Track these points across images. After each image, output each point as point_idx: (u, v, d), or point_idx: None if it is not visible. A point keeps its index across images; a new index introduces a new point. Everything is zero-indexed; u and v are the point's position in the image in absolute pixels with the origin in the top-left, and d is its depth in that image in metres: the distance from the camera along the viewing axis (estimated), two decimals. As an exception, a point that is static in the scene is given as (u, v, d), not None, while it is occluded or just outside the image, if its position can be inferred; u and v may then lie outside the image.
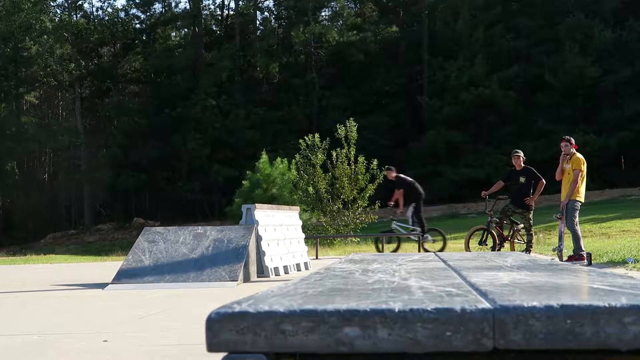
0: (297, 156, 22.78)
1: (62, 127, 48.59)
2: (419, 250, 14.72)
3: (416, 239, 15.22)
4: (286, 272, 10.50)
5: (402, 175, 16.45)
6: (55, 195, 48.18)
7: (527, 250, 12.44)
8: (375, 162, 21.75)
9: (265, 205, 11.54)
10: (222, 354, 0.77)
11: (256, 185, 22.40)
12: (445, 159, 42.03)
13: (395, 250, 15.24)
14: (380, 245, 15.86)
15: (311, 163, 22.37)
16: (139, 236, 9.63)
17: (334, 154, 22.24)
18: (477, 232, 13.48)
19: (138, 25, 53.63)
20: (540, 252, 13.49)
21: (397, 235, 15.81)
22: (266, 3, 53.28)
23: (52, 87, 49.95)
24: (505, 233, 12.99)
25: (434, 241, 16.00)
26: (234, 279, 8.51)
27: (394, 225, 15.92)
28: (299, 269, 11.18)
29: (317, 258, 14.97)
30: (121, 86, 51.59)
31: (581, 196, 10.94)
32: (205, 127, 44.44)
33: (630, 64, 40.51)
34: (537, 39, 44.19)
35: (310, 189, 22.19)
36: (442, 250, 14.93)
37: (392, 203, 15.88)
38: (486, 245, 13.03)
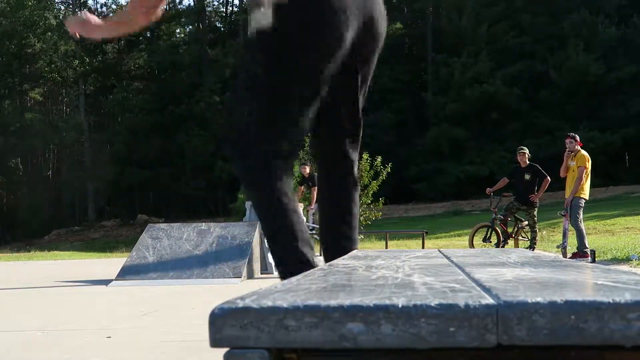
0: (301, 153, 22.80)
1: (66, 123, 48.70)
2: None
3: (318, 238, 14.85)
4: (290, 269, 10.49)
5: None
6: (59, 192, 48.29)
7: (531, 247, 12.41)
8: (379, 159, 21.73)
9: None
10: (224, 350, 0.77)
11: (260, 182, 22.35)
12: (449, 155, 42.02)
13: None
14: None
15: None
16: (143, 233, 9.65)
17: (338, 151, 22.23)
18: (481, 229, 13.45)
19: (142, 22, 53.70)
20: (544, 249, 13.48)
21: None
22: None
23: (57, 83, 50.05)
24: (510, 230, 12.97)
25: None
26: (237, 275, 8.51)
27: None
28: (302, 266, 11.16)
29: (320, 255, 14.89)
30: (125, 83, 51.67)
31: (585, 193, 10.93)
32: (210, 124, 44.49)
33: (634, 60, 40.46)
34: (541, 36, 44.13)
35: (314, 185, 22.20)
36: None
37: (312, 207, 15.07)
38: (490, 242, 13.00)
